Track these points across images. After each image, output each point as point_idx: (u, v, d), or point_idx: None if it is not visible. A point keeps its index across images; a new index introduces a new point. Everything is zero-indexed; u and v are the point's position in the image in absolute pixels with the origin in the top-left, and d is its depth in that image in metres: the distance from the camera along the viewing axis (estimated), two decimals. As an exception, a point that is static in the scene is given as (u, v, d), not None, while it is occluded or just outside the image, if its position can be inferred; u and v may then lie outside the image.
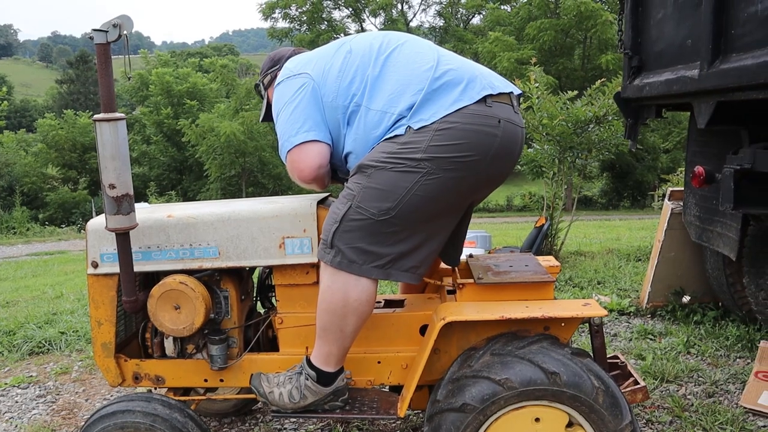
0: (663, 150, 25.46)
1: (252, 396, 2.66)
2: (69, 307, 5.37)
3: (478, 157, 1.94)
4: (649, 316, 4.25)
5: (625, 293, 4.74)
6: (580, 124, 5.63)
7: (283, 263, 2.22)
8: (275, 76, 2.33)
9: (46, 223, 22.03)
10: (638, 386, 2.31)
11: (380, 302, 2.43)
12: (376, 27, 36.83)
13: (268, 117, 2.35)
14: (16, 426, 3.06)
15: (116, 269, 2.23)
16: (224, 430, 2.88)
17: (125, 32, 2.00)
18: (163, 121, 30.17)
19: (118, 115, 2.05)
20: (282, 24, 36.42)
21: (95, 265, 2.30)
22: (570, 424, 1.93)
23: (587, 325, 2.22)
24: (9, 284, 7.92)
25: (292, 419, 2.91)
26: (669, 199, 4.19)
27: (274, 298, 2.42)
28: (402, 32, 2.27)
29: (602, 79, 5.85)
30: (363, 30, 35.98)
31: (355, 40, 2.16)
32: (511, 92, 2.07)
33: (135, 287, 2.21)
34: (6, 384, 3.63)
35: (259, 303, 2.57)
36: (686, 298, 4.13)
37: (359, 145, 2.04)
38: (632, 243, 7.66)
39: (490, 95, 1.97)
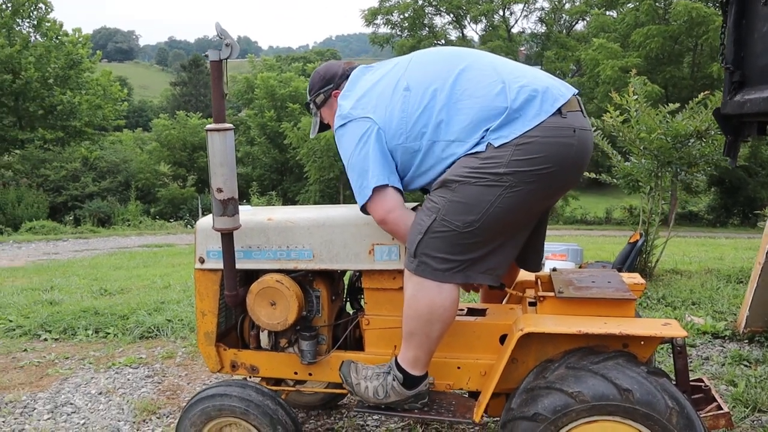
0: (780, 165, 23.77)
1: (338, 391, 2.83)
2: (175, 297, 5.80)
3: (557, 167, 2.00)
4: (746, 341, 4.08)
5: (721, 316, 4.55)
6: (680, 138, 5.45)
7: (371, 268, 2.36)
8: (329, 95, 2.40)
9: (157, 217, 23.43)
10: (721, 412, 2.24)
11: (463, 310, 2.52)
12: (477, 33, 36.63)
13: (322, 129, 2.51)
14: (128, 401, 3.40)
15: (220, 265, 2.45)
16: (311, 421, 3.06)
17: (234, 55, 2.21)
18: (266, 123, 31.37)
19: (227, 125, 2.26)
20: (384, 30, 36.97)
21: (202, 261, 2.54)
22: None
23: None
24: (123, 273, 8.57)
25: (375, 416, 3.05)
26: (773, 220, 4.02)
27: (362, 300, 2.57)
28: (458, 47, 2.31)
29: (706, 92, 5.62)
30: (464, 37, 35.88)
31: (409, 73, 2.17)
32: (576, 95, 2.11)
33: (236, 283, 2.42)
34: (120, 363, 4.02)
35: (348, 304, 2.73)
36: (788, 325, 3.94)
37: (439, 168, 2.11)
38: (736, 264, 7.29)
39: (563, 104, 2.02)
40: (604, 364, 1.98)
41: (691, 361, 3.71)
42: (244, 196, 29.02)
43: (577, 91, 2.15)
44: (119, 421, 3.16)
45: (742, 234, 18.18)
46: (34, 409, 3.34)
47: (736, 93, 3.28)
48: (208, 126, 2.25)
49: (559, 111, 2.01)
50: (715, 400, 2.33)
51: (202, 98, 53.52)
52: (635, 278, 2.46)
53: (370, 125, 2.13)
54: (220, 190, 2.26)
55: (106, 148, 28.02)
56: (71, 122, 25.71)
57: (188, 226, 21.38)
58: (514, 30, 39.20)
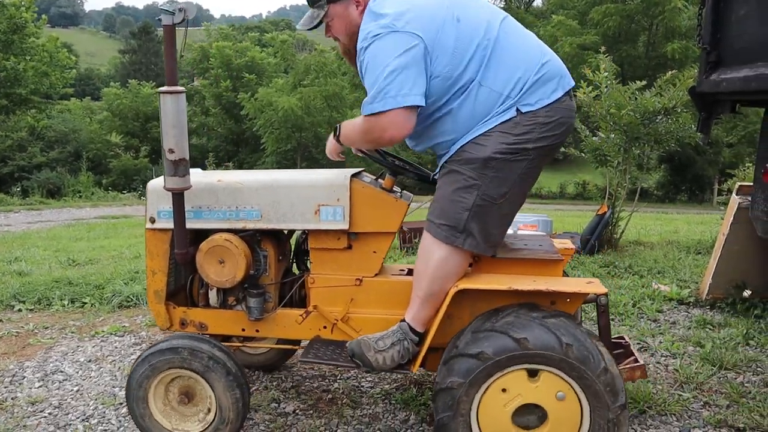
0: (726, 144, 24.48)
1: (287, 347, 2.88)
2: (149, 266, 5.65)
3: (558, 144, 2.20)
4: (708, 307, 4.28)
5: (685, 284, 4.76)
6: (648, 115, 5.62)
7: (317, 228, 2.41)
8: None
9: (109, 188, 22.81)
10: (637, 364, 2.40)
11: (404, 270, 2.59)
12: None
13: (318, 26, 2.27)
14: (120, 368, 3.39)
15: (170, 225, 2.46)
16: (306, 383, 3.11)
17: (188, 17, 2.20)
18: (222, 93, 30.75)
19: (179, 88, 2.27)
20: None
21: (153, 221, 2.55)
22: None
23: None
24: (85, 244, 8.40)
25: (369, 378, 3.15)
26: (737, 194, 4.18)
27: (308, 261, 2.60)
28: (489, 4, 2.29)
29: (673, 71, 5.77)
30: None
31: (459, 6, 2.13)
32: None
33: (186, 241, 2.42)
34: (104, 332, 3.99)
35: (295, 266, 2.76)
36: (747, 292, 4.10)
37: (462, 119, 2.14)
38: (691, 236, 7.63)
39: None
40: (551, 320, 2.03)
41: (659, 325, 3.92)
42: (200, 167, 28.52)
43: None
44: (114, 387, 3.15)
45: (690, 210, 18.82)
46: (24, 377, 3.29)
47: (711, 72, 3.34)
48: (161, 89, 2.25)
49: (568, 93, 2.18)
50: (633, 354, 2.49)
51: (153, 67, 52.07)
52: (566, 244, 2.55)
53: (418, 42, 2.03)
54: (171, 151, 2.26)
55: (54, 117, 26.93)
56: (16, 90, 24.67)
57: (142, 197, 20.85)
58: (474, 4, 39.08)
